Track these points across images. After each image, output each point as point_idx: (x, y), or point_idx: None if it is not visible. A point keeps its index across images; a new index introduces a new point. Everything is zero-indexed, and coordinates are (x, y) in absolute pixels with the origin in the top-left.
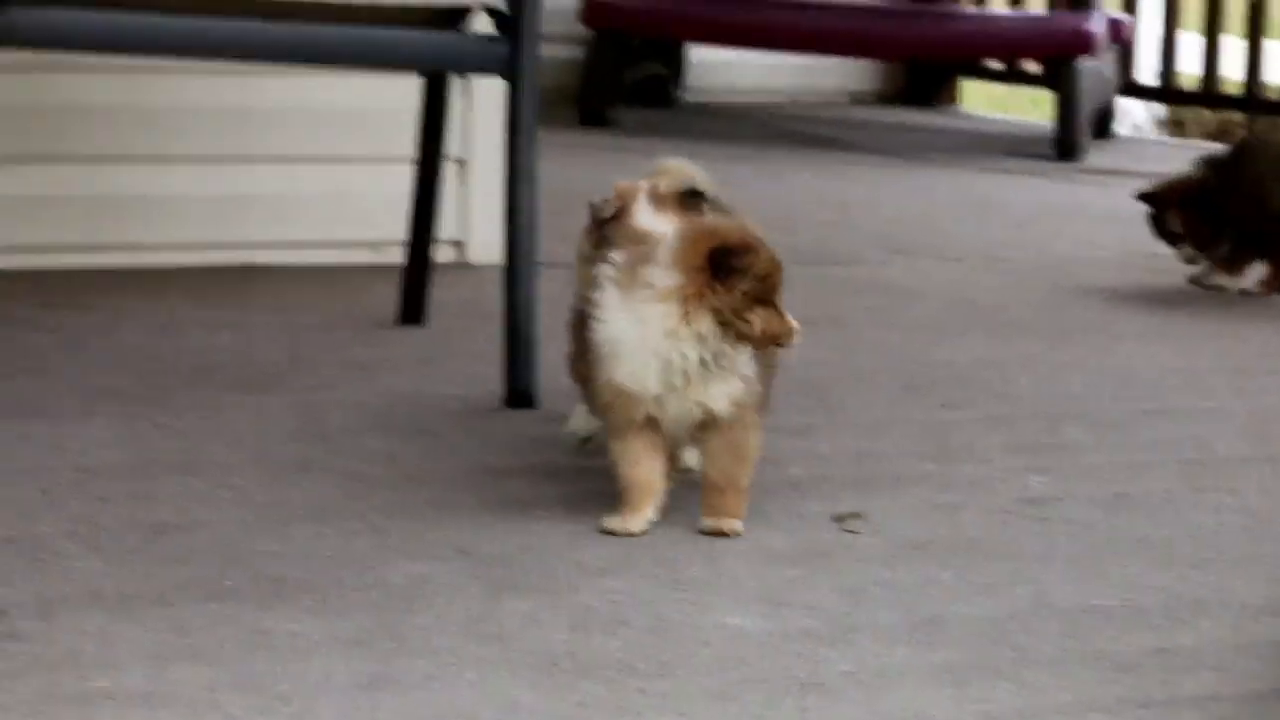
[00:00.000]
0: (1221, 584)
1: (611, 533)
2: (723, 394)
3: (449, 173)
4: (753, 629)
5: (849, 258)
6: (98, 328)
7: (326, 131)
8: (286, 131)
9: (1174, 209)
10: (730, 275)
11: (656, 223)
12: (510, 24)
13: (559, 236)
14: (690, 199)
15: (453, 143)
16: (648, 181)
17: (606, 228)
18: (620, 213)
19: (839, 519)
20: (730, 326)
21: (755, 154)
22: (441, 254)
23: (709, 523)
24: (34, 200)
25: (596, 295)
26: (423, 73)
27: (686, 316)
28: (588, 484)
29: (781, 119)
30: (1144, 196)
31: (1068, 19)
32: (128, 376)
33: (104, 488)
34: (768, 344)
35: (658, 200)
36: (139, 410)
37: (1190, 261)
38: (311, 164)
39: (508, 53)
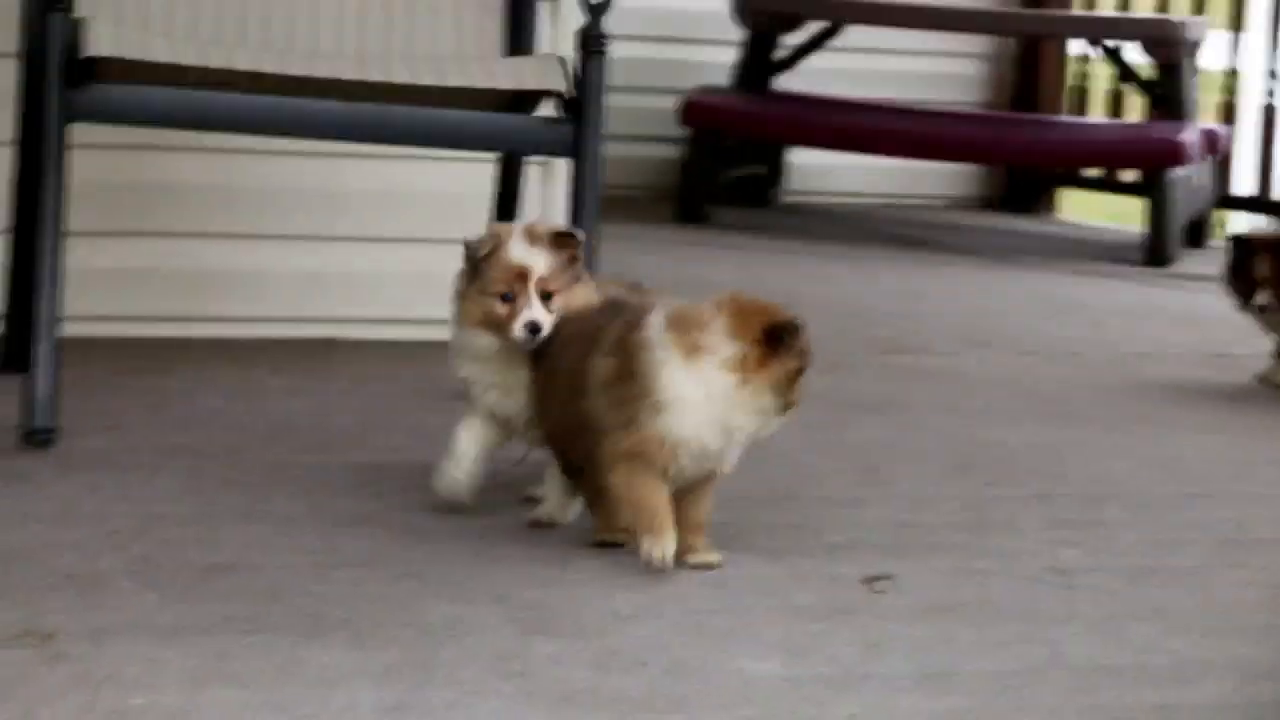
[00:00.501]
0: (1232, 649)
1: (650, 562)
2: (735, 455)
3: None
4: (767, 673)
5: (921, 348)
6: (178, 392)
7: (406, 213)
8: (368, 212)
9: (1263, 252)
10: (782, 350)
11: (529, 256)
12: (575, 107)
13: None
14: (563, 238)
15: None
16: (521, 223)
17: (480, 265)
18: (493, 251)
19: (868, 580)
20: (780, 398)
21: (847, 252)
22: None
23: (700, 559)
24: (126, 273)
25: (647, 356)
26: (496, 154)
27: (747, 386)
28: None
29: (878, 221)
30: (1235, 239)
31: (1161, 129)
32: (202, 436)
33: (166, 532)
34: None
35: (531, 237)
36: (208, 466)
37: (1263, 310)
38: (391, 244)
39: (572, 134)
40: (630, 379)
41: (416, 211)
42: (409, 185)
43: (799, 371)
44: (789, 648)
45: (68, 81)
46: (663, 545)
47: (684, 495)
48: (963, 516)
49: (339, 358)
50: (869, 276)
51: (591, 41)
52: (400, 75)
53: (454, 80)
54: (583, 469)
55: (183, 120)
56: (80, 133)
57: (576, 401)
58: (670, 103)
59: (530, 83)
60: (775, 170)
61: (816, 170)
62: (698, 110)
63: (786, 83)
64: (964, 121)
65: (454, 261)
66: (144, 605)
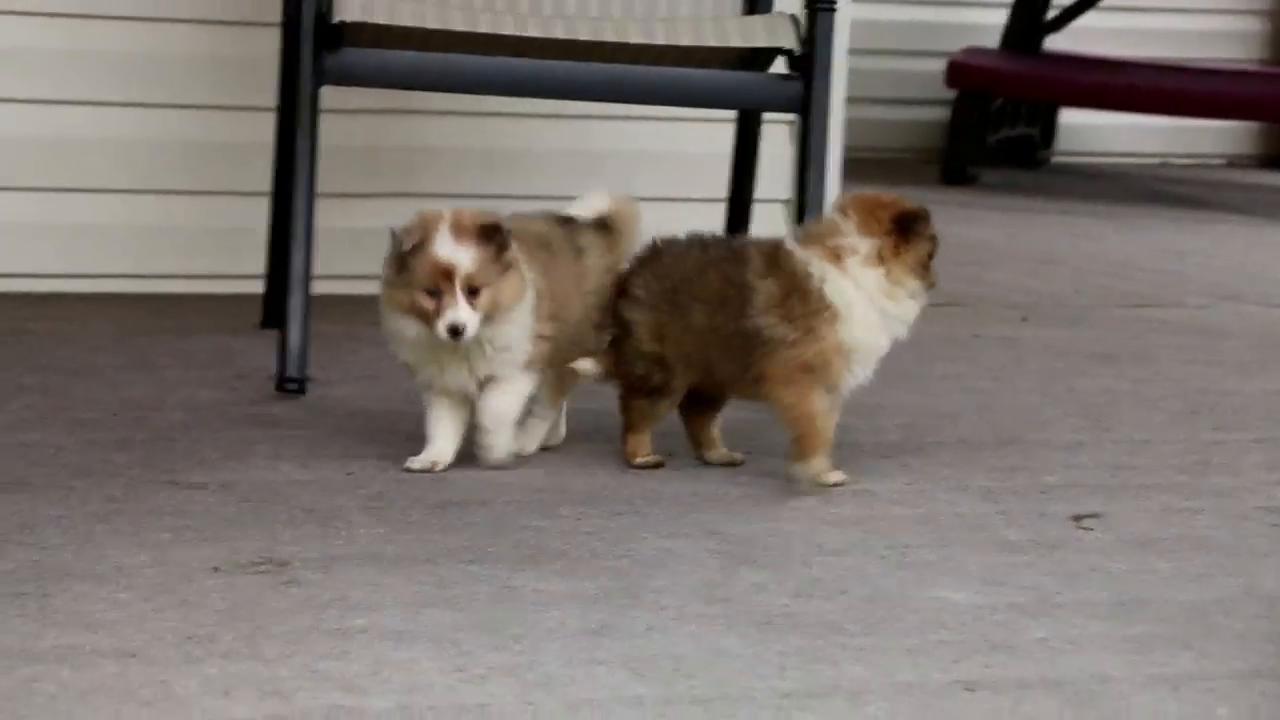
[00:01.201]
0: None
1: (821, 480)
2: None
3: (777, 213)
4: (963, 601)
5: (1171, 301)
6: None
7: (653, 173)
8: (616, 173)
9: None
10: (913, 235)
11: (455, 252)
12: (803, 63)
13: None
14: (489, 230)
15: (781, 184)
16: (450, 211)
17: (406, 258)
18: (420, 245)
19: (1076, 518)
20: (921, 280)
21: (1113, 212)
22: None
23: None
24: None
25: (806, 270)
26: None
27: (891, 274)
28: (848, 482)
29: (1150, 180)
30: None
31: None
32: None
33: (402, 473)
34: None
35: (458, 230)
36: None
37: None
38: (645, 203)
39: (800, 90)
40: (798, 295)
41: (663, 171)
42: (656, 146)
43: (931, 253)
44: (988, 578)
45: (319, 46)
46: (831, 466)
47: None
48: (1181, 460)
49: None
50: (1132, 235)
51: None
52: (635, 35)
53: (685, 39)
54: (715, 392)
55: (425, 82)
56: (338, 97)
57: (735, 322)
58: (937, 65)
59: (760, 40)
60: (1046, 131)
61: (1088, 130)
62: (964, 71)
63: (1056, 43)
64: (1238, 78)
65: (694, 219)
66: (373, 538)
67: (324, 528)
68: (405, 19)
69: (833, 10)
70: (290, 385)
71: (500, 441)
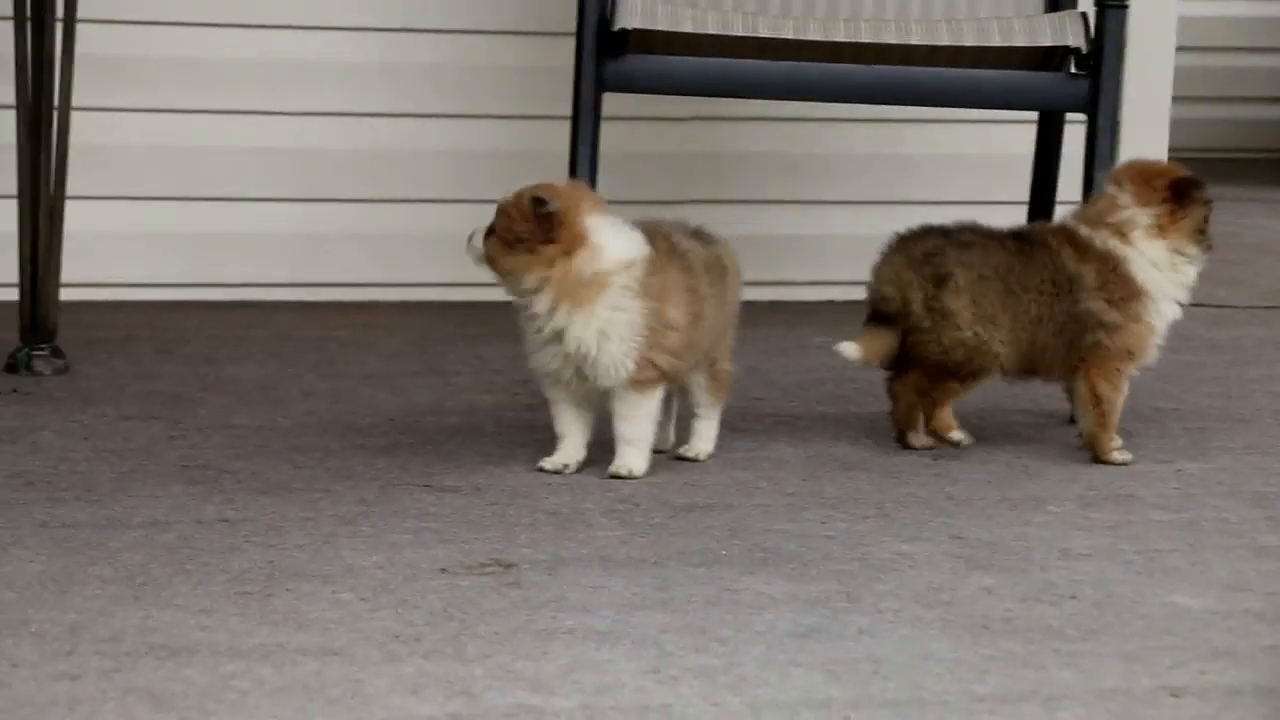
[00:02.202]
0: None
1: (1124, 460)
2: None
3: None
4: (1197, 607)
5: None
6: None
7: (963, 177)
8: (925, 177)
9: None
10: (1189, 200)
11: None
12: (1091, 62)
13: (1226, 281)
14: (538, 203)
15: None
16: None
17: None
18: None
19: None
20: (1201, 243)
21: None
22: None
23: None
24: None
25: (1116, 249)
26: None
27: (1174, 244)
28: (1111, 486)
29: None
30: None
31: None
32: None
33: (656, 476)
34: None
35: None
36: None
37: None
38: (947, 207)
39: (1087, 89)
40: (1114, 278)
41: (974, 174)
42: (965, 148)
43: (1206, 217)
44: (1232, 584)
45: (601, 54)
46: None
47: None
48: None
49: None
50: None
51: None
52: (916, 36)
53: (969, 39)
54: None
55: (704, 88)
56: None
57: (1069, 308)
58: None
59: (1045, 39)
60: None
61: None
62: None
63: None
64: None
65: (1004, 222)
66: (608, 540)
67: (562, 530)
68: (686, 25)
69: (1124, 7)
70: None
71: (625, 461)
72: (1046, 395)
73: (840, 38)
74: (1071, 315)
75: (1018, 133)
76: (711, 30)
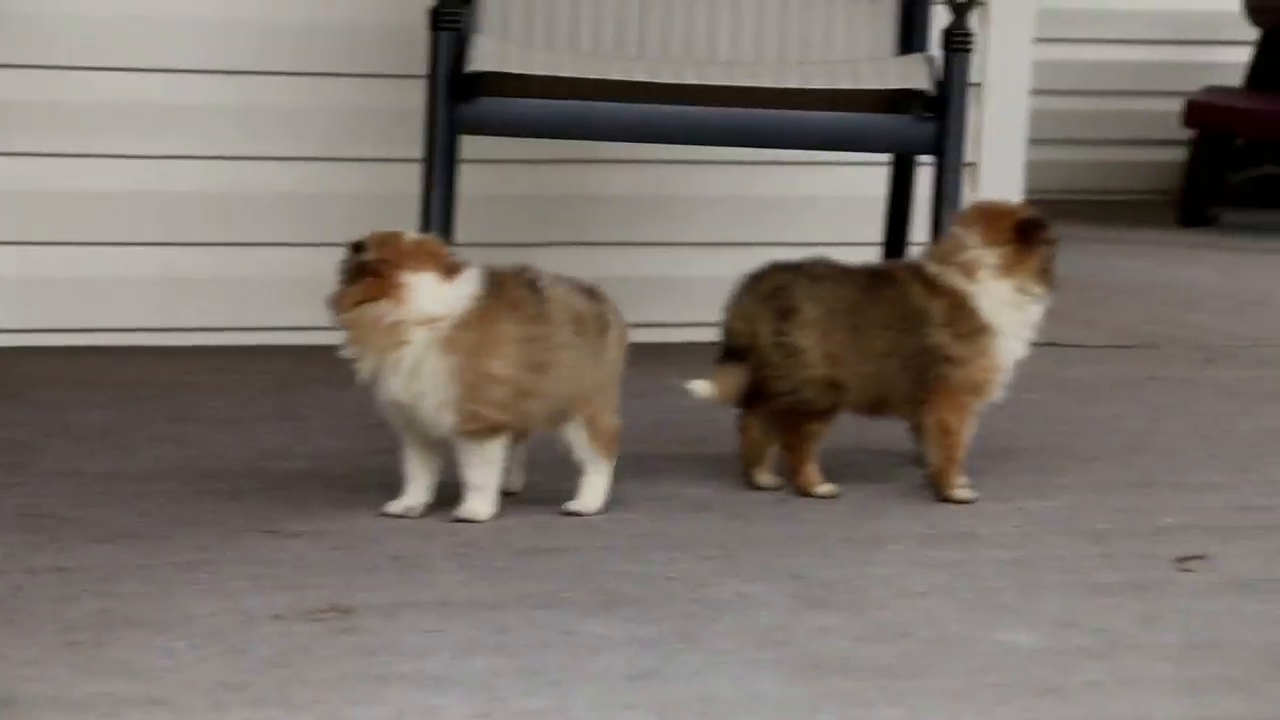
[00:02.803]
0: None
1: (965, 499)
2: None
3: None
4: (1028, 644)
5: None
6: None
7: (819, 219)
8: (781, 219)
9: None
10: (1034, 242)
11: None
12: (938, 105)
13: (1082, 321)
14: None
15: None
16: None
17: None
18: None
19: (1181, 560)
20: (1046, 283)
21: None
22: None
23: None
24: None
25: (966, 286)
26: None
27: (1020, 283)
28: (951, 525)
29: None
30: None
31: None
32: None
33: (500, 520)
34: None
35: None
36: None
37: None
38: (803, 248)
39: (934, 132)
40: (961, 313)
41: (825, 216)
42: (820, 190)
43: (1052, 256)
44: (1062, 621)
45: (454, 97)
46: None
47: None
48: None
49: None
50: None
51: (955, 40)
52: (766, 79)
53: (819, 83)
54: (874, 412)
55: (556, 130)
56: (481, 147)
57: (916, 342)
58: (1173, 105)
59: (893, 82)
60: None
61: None
62: (1204, 111)
63: None
64: None
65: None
66: (449, 584)
67: (404, 574)
68: (538, 68)
69: (968, 51)
70: None
71: (470, 505)
72: (892, 434)
73: (692, 80)
74: (918, 350)
75: (871, 174)
76: (564, 73)
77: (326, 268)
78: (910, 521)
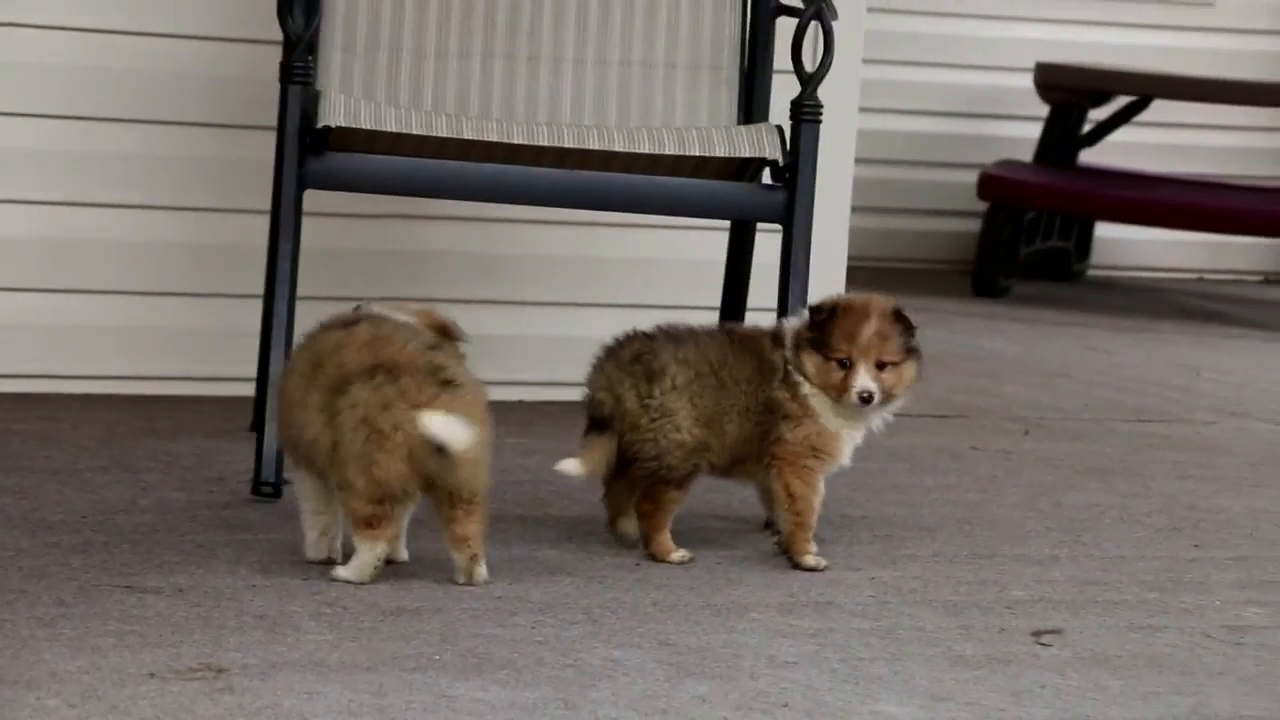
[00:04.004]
0: None
1: (817, 567)
2: None
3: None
4: (904, 716)
5: (1177, 417)
6: None
7: (657, 282)
8: (618, 280)
9: None
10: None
11: None
12: (787, 174)
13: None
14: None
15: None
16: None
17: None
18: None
19: (1036, 634)
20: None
21: (1138, 326)
22: None
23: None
24: None
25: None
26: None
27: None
28: (809, 593)
29: (1183, 295)
30: None
31: None
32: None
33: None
34: None
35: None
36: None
37: None
38: (645, 310)
39: (783, 200)
40: (795, 376)
41: (665, 278)
42: (658, 253)
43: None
44: (935, 694)
45: (303, 151)
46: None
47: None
48: (1155, 576)
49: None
50: (1152, 349)
51: (804, 110)
52: (619, 143)
53: (670, 148)
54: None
55: (404, 188)
56: (328, 201)
57: (762, 395)
58: (970, 177)
59: (744, 150)
60: (1081, 245)
61: (1124, 245)
62: (997, 184)
63: (1092, 157)
64: (1272, 195)
65: None
66: (320, 644)
67: (271, 633)
68: (390, 124)
69: (817, 121)
70: (265, 489)
71: (339, 570)
72: (740, 500)
73: (544, 142)
74: (765, 403)
75: (709, 239)
76: (415, 130)
77: (154, 315)
78: (768, 590)
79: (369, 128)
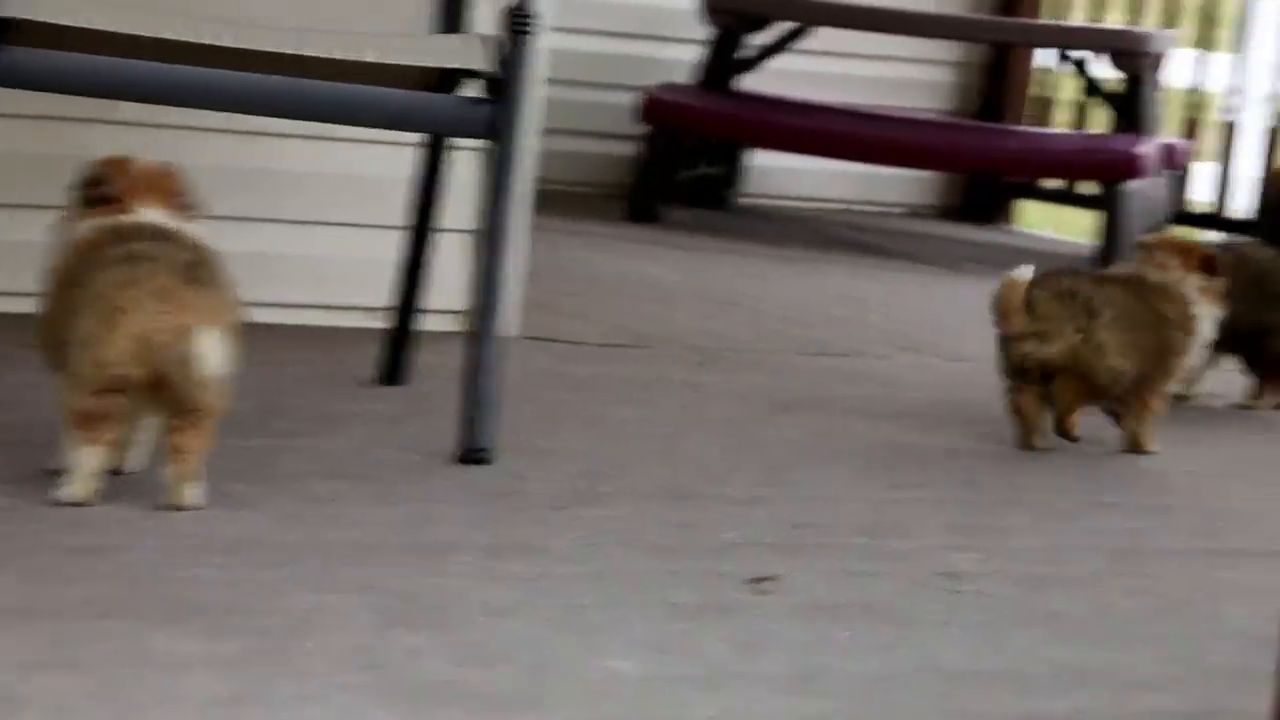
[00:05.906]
0: (1112, 659)
1: None
2: None
3: (465, 243)
4: (632, 672)
5: (852, 351)
6: None
7: (340, 197)
8: (300, 195)
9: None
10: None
11: None
12: (500, 88)
13: (574, 315)
14: None
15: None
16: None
17: None
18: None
19: (753, 580)
20: None
21: (794, 255)
22: (449, 322)
23: None
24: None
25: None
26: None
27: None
28: (514, 534)
29: (833, 226)
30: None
31: (1118, 141)
32: (23, 415)
33: (33, 512)
34: None
35: None
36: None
37: None
38: (319, 227)
39: (490, 115)
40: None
41: (349, 195)
42: (345, 168)
43: None
44: (659, 646)
45: None
46: None
47: None
48: (860, 519)
49: (253, 341)
50: (812, 280)
51: (519, 22)
52: (315, 48)
53: (371, 56)
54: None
55: (94, 88)
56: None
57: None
58: (632, 99)
59: (454, 61)
60: (733, 172)
61: (776, 173)
62: (657, 107)
63: (752, 83)
64: (922, 128)
65: (379, 246)
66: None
67: None
68: (68, 19)
69: (530, 34)
70: None
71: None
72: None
73: (229, 43)
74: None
75: (389, 153)
76: (100, 26)
77: None
78: (471, 529)
79: (50, 21)
